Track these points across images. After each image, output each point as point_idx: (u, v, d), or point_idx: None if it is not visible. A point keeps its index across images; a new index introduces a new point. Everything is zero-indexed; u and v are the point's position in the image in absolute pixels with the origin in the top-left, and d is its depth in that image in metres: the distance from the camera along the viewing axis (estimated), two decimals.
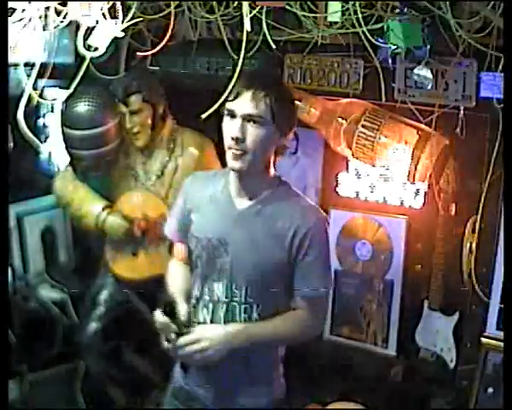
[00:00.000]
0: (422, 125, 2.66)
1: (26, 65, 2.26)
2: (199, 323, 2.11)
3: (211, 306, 2.09)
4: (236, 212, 2.06)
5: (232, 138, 1.94)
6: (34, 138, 2.54)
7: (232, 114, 1.96)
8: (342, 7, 2.09)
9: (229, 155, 1.97)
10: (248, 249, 1.99)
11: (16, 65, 2.26)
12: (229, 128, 1.96)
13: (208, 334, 1.98)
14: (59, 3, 2.09)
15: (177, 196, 2.29)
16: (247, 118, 1.93)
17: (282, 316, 2.07)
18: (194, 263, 2.13)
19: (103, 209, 3.04)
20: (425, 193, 2.95)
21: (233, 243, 2.03)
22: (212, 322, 2.09)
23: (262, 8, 2.05)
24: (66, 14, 2.10)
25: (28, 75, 2.23)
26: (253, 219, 2.04)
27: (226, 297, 2.07)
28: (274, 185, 2.08)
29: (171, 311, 2.00)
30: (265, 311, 2.06)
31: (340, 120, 2.76)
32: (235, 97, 1.95)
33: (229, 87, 1.96)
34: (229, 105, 1.97)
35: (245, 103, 1.93)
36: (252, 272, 2.02)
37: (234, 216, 2.05)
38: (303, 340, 2.15)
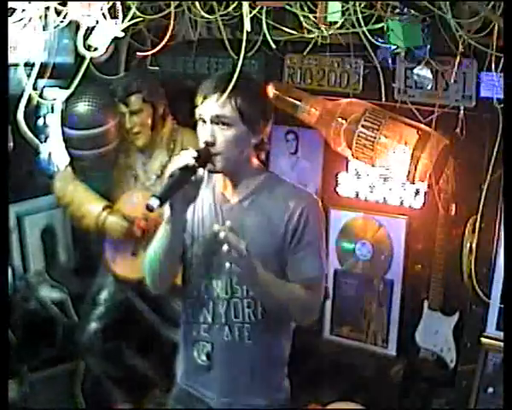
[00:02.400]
0: (422, 125, 2.66)
1: (26, 65, 2.25)
2: (198, 323, 2.11)
3: (211, 304, 2.09)
4: (229, 207, 2.07)
5: (204, 143, 1.96)
6: (34, 138, 2.54)
7: (202, 119, 1.98)
8: (342, 7, 2.09)
9: None
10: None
11: (16, 65, 2.26)
12: (201, 133, 1.98)
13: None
14: (59, 3, 2.09)
15: None
16: (215, 120, 1.95)
17: (289, 284, 2.03)
18: (188, 262, 2.12)
19: (103, 209, 3.04)
20: (425, 193, 2.96)
21: None
22: (213, 320, 2.09)
23: (262, 8, 2.05)
24: (66, 14, 2.10)
25: (28, 75, 2.22)
26: (246, 211, 2.05)
27: (226, 294, 2.07)
28: (260, 176, 2.09)
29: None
30: None
31: (340, 120, 2.75)
32: (202, 101, 1.97)
33: (229, 88, 1.96)
34: (198, 110, 1.98)
35: (211, 106, 1.95)
36: None
37: (227, 211, 2.06)
38: (300, 318, 2.11)
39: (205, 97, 1.97)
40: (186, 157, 1.90)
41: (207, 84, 2.00)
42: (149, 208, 1.81)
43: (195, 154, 1.91)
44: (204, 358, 2.10)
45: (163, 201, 1.83)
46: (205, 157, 1.95)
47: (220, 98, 1.93)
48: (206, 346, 2.10)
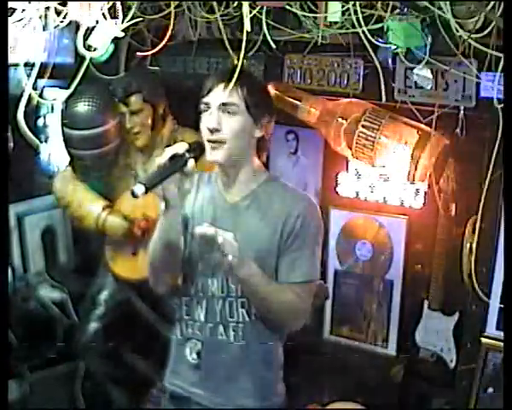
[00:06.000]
0: (422, 125, 2.66)
1: (26, 65, 2.26)
2: (194, 320, 2.11)
3: (204, 303, 2.09)
4: (227, 206, 2.07)
5: (208, 129, 1.98)
6: (34, 138, 2.55)
7: (208, 108, 2.00)
8: (342, 7, 2.08)
9: (207, 147, 2.00)
10: (241, 242, 1.99)
11: (16, 65, 2.26)
12: (206, 120, 2.00)
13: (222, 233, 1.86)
14: (59, 3, 2.09)
15: None
16: (222, 108, 1.98)
17: (280, 285, 2.04)
18: (186, 259, 2.12)
19: (103, 209, 3.04)
20: (425, 193, 2.95)
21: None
22: (206, 319, 2.09)
23: (262, 8, 2.05)
24: (66, 14, 2.10)
25: (28, 75, 2.23)
26: (245, 212, 2.05)
27: (222, 292, 2.07)
28: (262, 177, 2.10)
29: None
30: None
31: (340, 120, 2.75)
32: (209, 91, 2.00)
33: (229, 87, 1.97)
34: (204, 99, 2.01)
35: (218, 94, 1.99)
36: None
37: (225, 211, 2.07)
38: (287, 322, 2.10)
39: (211, 88, 2.00)
40: (177, 148, 1.90)
41: (214, 76, 2.05)
42: (134, 195, 1.80)
43: (187, 146, 1.92)
44: (195, 356, 2.11)
45: (148, 188, 1.82)
46: (197, 150, 1.95)
47: (227, 86, 1.96)
48: (197, 344, 2.10)
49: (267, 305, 2.02)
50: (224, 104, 1.98)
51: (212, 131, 1.98)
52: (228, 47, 2.18)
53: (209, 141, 2.00)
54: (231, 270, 1.88)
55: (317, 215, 2.09)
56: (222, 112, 1.99)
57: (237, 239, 1.88)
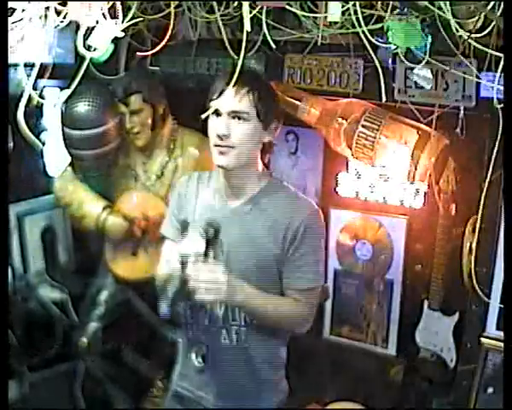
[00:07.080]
0: (422, 125, 2.66)
1: (26, 65, 2.26)
2: (198, 325, 2.11)
3: (208, 306, 2.09)
4: (229, 210, 2.06)
5: (218, 135, 1.96)
6: (34, 138, 2.55)
7: (217, 112, 1.98)
8: (342, 7, 2.08)
9: (215, 152, 1.99)
10: (243, 247, 1.99)
11: (16, 65, 2.26)
12: (215, 126, 1.99)
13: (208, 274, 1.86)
14: (59, 3, 2.09)
15: None
16: (232, 114, 1.96)
17: (279, 297, 2.05)
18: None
19: (103, 209, 3.04)
20: (425, 193, 2.96)
21: (227, 241, 2.02)
22: (210, 323, 2.09)
23: (262, 8, 2.05)
24: (66, 14, 2.10)
25: (28, 75, 2.22)
26: (247, 216, 2.05)
27: None
28: (265, 181, 2.09)
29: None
30: None
31: (340, 120, 2.76)
32: (219, 95, 1.98)
33: (230, 87, 1.97)
34: (213, 103, 1.99)
35: (229, 100, 1.96)
36: (247, 270, 2.01)
37: (227, 215, 2.06)
38: (293, 329, 2.13)
39: (221, 91, 1.98)
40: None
41: (222, 79, 2.02)
42: None
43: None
44: (200, 360, 2.11)
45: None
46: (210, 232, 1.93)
47: (238, 92, 1.94)
48: (202, 348, 2.11)
49: (268, 319, 2.04)
50: (234, 111, 1.96)
51: (221, 137, 1.96)
52: (228, 47, 2.18)
53: (216, 145, 1.98)
54: (224, 299, 1.89)
55: (320, 221, 2.09)
56: (232, 118, 1.96)
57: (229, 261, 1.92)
